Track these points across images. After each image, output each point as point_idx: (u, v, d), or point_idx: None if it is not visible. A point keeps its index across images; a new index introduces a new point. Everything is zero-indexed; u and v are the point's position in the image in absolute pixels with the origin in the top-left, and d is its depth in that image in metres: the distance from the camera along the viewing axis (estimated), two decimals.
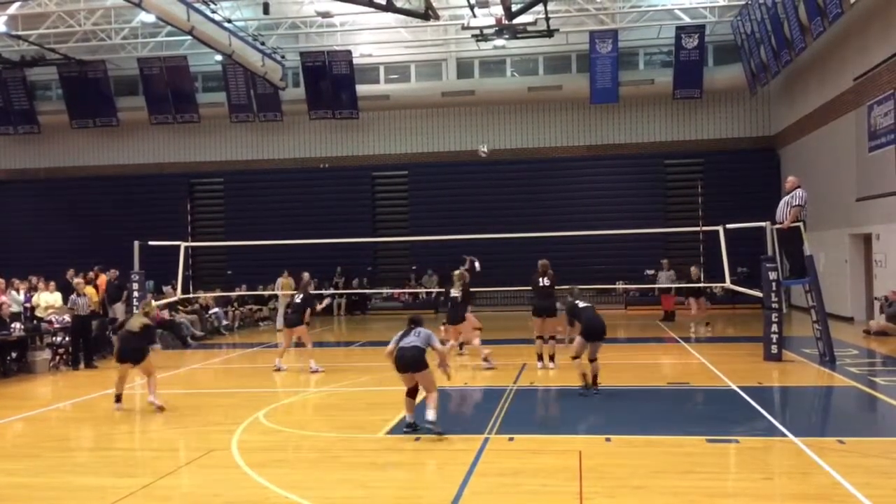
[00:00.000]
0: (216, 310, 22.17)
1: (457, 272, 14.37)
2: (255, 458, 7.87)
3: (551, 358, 13.63)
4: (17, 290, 17.95)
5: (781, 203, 13.96)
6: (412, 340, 8.63)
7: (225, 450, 8.30)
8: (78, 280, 16.23)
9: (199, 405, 10.10)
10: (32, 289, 18.46)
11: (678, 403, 10.81)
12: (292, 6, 26.50)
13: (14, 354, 14.68)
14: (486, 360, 13.63)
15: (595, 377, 11.05)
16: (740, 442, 8.20)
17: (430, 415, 8.48)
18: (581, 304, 11.13)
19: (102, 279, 19.75)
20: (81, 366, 15.20)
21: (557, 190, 28.52)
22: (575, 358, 10.90)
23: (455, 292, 13.86)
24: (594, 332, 10.83)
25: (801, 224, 13.52)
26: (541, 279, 13.56)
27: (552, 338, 13.74)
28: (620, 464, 7.44)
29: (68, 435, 9.79)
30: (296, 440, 8.82)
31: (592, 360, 10.94)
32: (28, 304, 17.64)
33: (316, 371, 13.62)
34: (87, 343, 15.45)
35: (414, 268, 28.89)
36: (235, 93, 29.37)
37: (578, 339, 10.85)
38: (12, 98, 30.60)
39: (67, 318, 15.58)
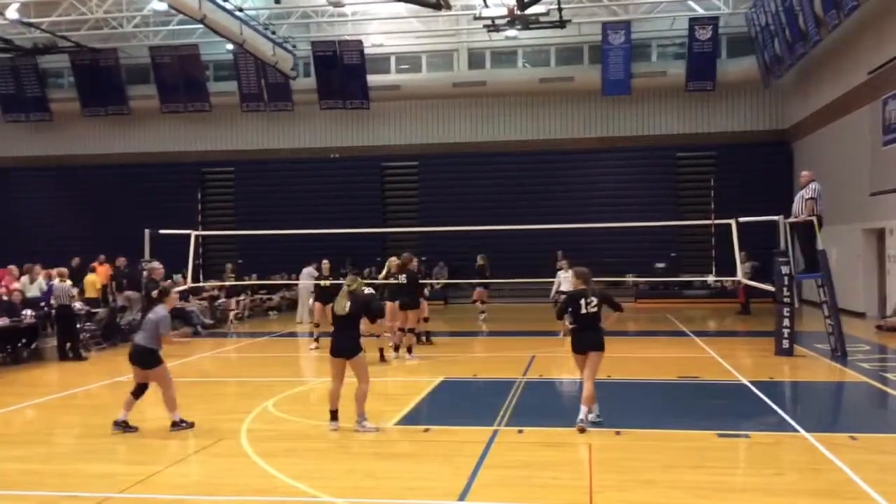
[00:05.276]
0: (223, 300, 22.21)
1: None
2: (263, 448, 7.88)
3: None
4: (28, 277, 17.83)
5: (797, 197, 13.96)
6: None
7: (234, 438, 8.31)
8: (61, 269, 15.78)
9: (208, 393, 10.11)
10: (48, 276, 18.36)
11: (689, 397, 10.77)
12: None
13: (24, 341, 14.74)
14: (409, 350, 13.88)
15: None
16: (751, 437, 8.16)
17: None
18: None
19: (105, 268, 19.73)
20: (71, 355, 14.66)
21: (568, 182, 28.37)
22: None
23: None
24: None
25: (814, 218, 13.46)
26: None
27: None
28: (631, 457, 7.41)
29: (78, 422, 9.81)
30: (305, 430, 8.82)
31: None
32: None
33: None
34: (71, 332, 14.91)
35: (424, 259, 28.83)
36: (246, 82, 29.32)
37: None
38: (24, 86, 30.61)
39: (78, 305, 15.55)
